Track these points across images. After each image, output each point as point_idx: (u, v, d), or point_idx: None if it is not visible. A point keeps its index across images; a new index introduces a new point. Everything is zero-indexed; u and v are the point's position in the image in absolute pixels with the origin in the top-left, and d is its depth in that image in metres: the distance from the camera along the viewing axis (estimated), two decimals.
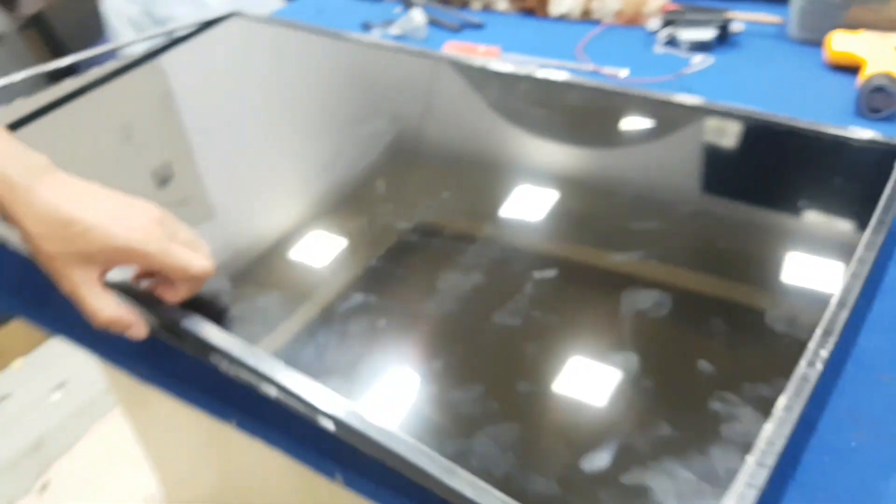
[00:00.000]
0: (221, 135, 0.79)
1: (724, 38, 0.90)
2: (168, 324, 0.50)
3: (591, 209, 0.61)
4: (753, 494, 0.35)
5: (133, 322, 0.48)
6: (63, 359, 1.83)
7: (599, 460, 0.39)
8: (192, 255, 0.48)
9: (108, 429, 1.63)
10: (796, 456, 0.43)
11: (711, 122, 0.69)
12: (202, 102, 0.87)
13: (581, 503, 0.37)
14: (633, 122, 0.72)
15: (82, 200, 0.46)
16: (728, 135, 0.68)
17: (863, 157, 0.61)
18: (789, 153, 0.63)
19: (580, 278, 0.54)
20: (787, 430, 0.39)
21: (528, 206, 0.60)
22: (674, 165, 0.66)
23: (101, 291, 0.47)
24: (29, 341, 1.85)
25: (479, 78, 0.81)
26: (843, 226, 0.56)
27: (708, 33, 0.89)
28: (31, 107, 0.81)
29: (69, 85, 0.86)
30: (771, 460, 0.37)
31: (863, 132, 0.62)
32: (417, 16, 1.03)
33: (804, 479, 0.42)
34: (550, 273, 0.53)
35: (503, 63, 0.83)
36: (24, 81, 0.83)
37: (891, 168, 0.58)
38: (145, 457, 1.29)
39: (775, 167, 0.62)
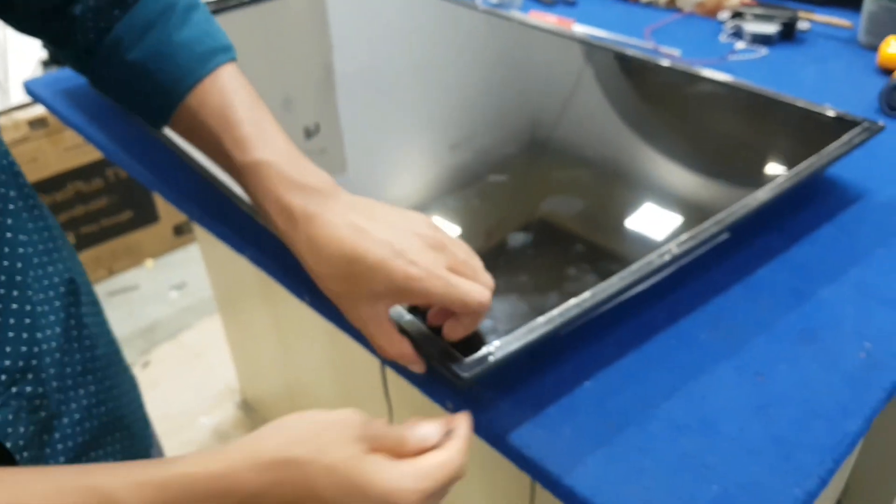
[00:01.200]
0: (367, 89, 0.83)
1: (790, 36, 0.94)
2: None
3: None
4: (551, 326, 0.47)
5: (415, 360, 0.47)
6: (185, 265, 2.09)
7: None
8: (471, 286, 0.44)
9: (207, 327, 1.86)
10: (644, 335, 0.52)
11: (699, 88, 0.76)
12: (353, 52, 0.94)
13: None
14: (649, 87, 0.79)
15: (364, 231, 0.43)
16: (707, 98, 0.75)
17: (828, 128, 0.66)
18: (764, 119, 0.71)
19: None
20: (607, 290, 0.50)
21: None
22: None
23: (387, 328, 0.45)
24: (161, 246, 2.13)
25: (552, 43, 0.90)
26: (772, 171, 0.63)
27: (771, 28, 0.93)
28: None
29: None
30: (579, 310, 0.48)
31: (829, 110, 0.68)
32: None
33: (649, 353, 0.50)
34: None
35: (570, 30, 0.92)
36: None
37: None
38: (231, 354, 1.49)
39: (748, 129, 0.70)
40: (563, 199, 0.62)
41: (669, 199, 0.62)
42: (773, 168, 0.63)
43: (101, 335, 0.52)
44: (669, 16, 1.06)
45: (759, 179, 0.60)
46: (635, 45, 0.97)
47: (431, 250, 0.44)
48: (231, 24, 0.97)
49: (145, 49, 0.48)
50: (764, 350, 0.51)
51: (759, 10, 0.96)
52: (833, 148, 0.62)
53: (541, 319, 0.48)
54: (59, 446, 0.45)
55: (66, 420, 0.46)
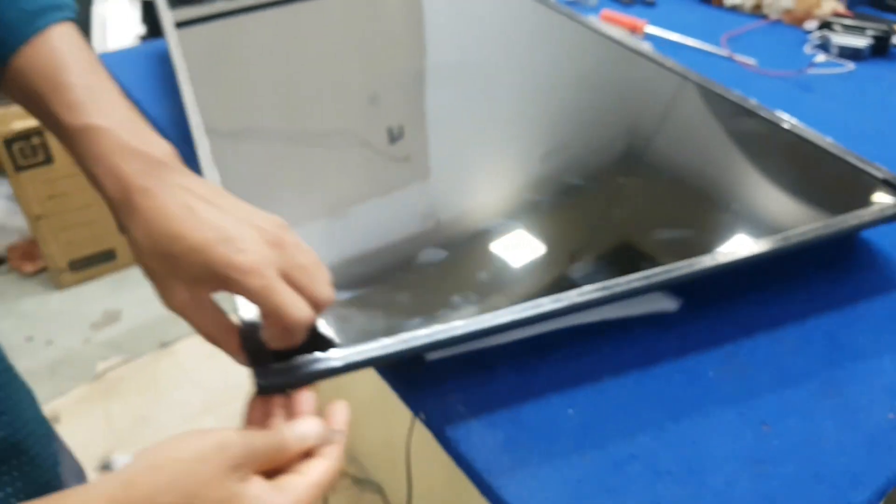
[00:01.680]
0: (456, 91, 0.78)
1: (883, 51, 0.86)
2: None
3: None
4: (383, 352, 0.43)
5: (237, 352, 0.42)
6: None
7: None
8: (293, 299, 0.39)
9: None
10: (645, 364, 0.48)
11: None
12: (446, 52, 0.89)
13: None
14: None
15: (196, 212, 0.39)
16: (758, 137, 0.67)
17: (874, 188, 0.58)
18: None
19: None
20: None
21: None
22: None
23: (206, 314, 0.41)
24: None
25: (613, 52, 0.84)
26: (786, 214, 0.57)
27: (862, 41, 0.85)
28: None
29: None
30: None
31: (874, 168, 0.60)
32: None
33: (646, 385, 0.46)
34: None
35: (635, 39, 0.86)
36: None
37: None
38: None
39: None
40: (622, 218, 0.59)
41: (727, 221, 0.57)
42: (799, 216, 0.56)
43: None
44: (753, 22, 0.98)
45: (778, 226, 0.54)
46: (709, 51, 0.90)
47: (266, 245, 0.39)
48: (326, 13, 0.96)
49: None
50: (776, 398, 0.46)
51: (850, 22, 0.87)
52: (869, 213, 0.54)
53: (386, 341, 0.44)
54: None
55: None
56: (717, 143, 0.67)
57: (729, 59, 0.88)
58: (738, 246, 0.52)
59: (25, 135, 1.70)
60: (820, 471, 0.42)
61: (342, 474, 0.36)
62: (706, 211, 0.58)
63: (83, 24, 2.00)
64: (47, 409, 1.57)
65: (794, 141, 0.64)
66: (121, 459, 0.34)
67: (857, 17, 0.89)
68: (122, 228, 0.41)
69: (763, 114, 0.67)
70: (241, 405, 0.40)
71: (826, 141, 0.63)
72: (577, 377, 0.48)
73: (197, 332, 0.42)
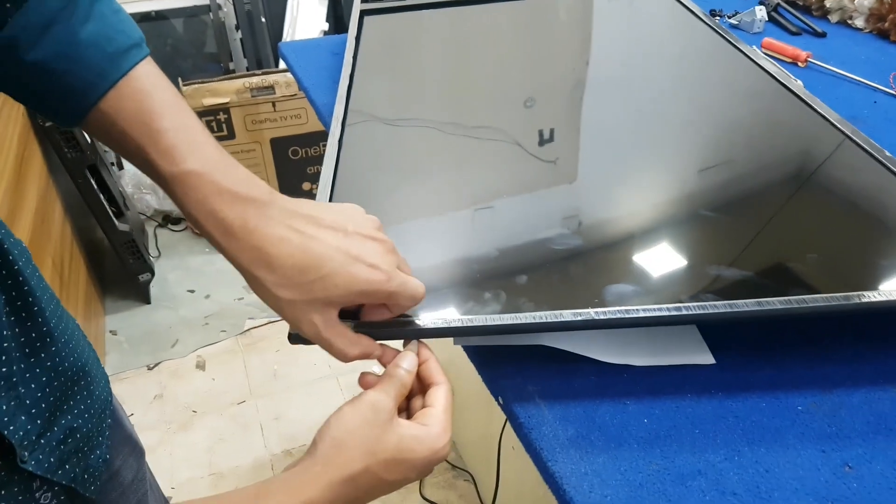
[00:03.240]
0: (611, 102, 0.80)
1: None
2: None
3: None
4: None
5: (377, 350, 0.47)
6: None
7: None
8: (417, 283, 0.46)
9: None
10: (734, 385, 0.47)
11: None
12: (607, 62, 0.90)
13: None
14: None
15: (314, 239, 0.42)
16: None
17: None
18: None
19: None
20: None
21: None
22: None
23: (343, 330, 0.45)
24: None
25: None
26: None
27: None
28: None
29: None
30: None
31: None
32: (759, 11, 1.06)
33: (730, 405, 0.46)
34: None
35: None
36: None
37: None
38: None
39: None
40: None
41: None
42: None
43: (43, 297, 0.46)
44: None
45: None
46: (876, 88, 0.86)
47: (388, 253, 0.44)
48: (500, 16, 1.00)
49: (47, 48, 0.41)
50: (865, 443, 0.44)
51: None
52: None
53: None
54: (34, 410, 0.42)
55: (33, 386, 0.43)
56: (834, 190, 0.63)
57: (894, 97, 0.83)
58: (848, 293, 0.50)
59: (213, 111, 1.90)
60: None
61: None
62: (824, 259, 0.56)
63: (278, 18, 2.20)
64: (195, 354, 1.75)
65: None
66: None
67: None
68: (241, 270, 0.43)
69: None
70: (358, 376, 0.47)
71: None
72: (658, 389, 0.48)
73: (336, 351, 0.45)
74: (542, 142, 0.72)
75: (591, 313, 0.47)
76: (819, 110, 0.71)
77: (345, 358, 0.45)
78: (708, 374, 0.49)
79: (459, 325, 0.48)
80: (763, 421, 0.46)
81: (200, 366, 1.73)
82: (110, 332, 1.87)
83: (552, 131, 0.74)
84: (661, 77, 0.86)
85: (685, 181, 0.67)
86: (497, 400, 0.50)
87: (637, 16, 1.02)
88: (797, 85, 0.74)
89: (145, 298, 1.94)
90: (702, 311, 0.47)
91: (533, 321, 0.48)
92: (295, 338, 0.47)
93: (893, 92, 0.84)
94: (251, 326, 1.84)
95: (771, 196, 0.63)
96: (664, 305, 0.48)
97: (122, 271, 1.90)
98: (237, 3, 2.13)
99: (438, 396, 0.45)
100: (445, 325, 0.48)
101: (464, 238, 0.60)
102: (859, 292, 0.48)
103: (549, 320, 0.47)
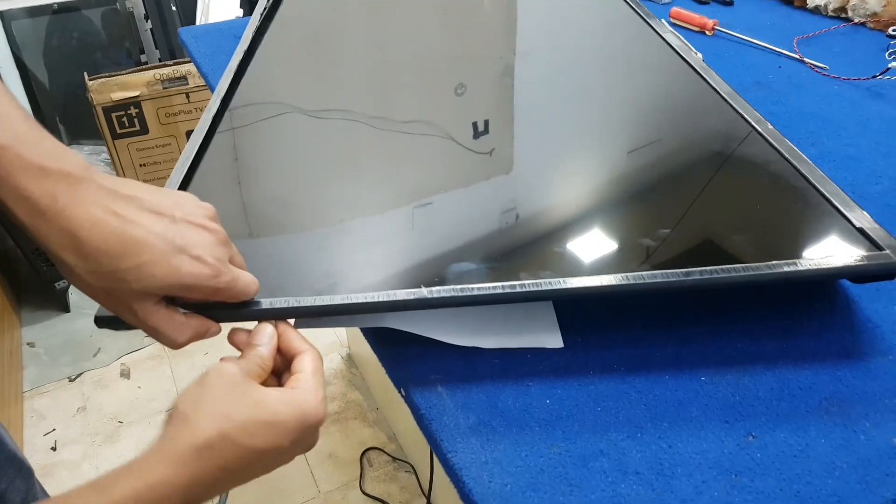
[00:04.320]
0: (543, 89, 0.77)
1: None
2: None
3: None
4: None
5: (213, 328, 0.44)
6: None
7: None
8: (250, 278, 0.43)
9: None
10: (637, 360, 0.45)
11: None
12: (539, 53, 0.86)
13: None
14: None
15: (134, 224, 0.38)
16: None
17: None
18: None
19: None
20: None
21: None
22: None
23: (169, 315, 0.41)
24: None
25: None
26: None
27: None
28: None
29: None
30: None
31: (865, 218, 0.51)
32: None
33: (632, 381, 0.44)
34: None
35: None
36: None
37: None
38: None
39: None
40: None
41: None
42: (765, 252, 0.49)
43: None
44: (832, 25, 0.92)
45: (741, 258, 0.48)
46: (778, 52, 0.86)
47: (217, 245, 0.40)
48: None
49: None
50: (768, 409, 0.44)
51: None
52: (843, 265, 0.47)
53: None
54: None
55: None
56: (713, 162, 0.62)
57: (800, 61, 0.84)
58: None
59: (124, 105, 1.81)
60: (802, 489, 0.39)
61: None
62: (687, 224, 0.55)
63: (190, 6, 2.11)
64: (119, 363, 1.68)
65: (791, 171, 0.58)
66: None
67: None
68: (47, 253, 0.38)
69: (776, 144, 0.60)
70: None
71: (818, 173, 0.56)
72: (561, 368, 0.47)
73: (165, 339, 0.41)
74: (476, 134, 0.68)
75: (424, 292, 0.45)
76: (713, 84, 0.69)
77: (174, 345, 0.42)
78: (611, 349, 0.48)
79: (286, 305, 0.45)
80: (666, 394, 0.45)
81: (125, 374, 1.65)
82: (27, 344, 1.77)
83: (486, 122, 0.70)
84: (578, 57, 0.84)
85: (590, 165, 0.64)
86: (400, 391, 0.48)
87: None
88: (696, 58, 0.73)
89: (64, 307, 1.85)
90: (536, 289, 0.45)
91: (364, 301, 0.45)
92: (103, 321, 0.43)
93: (797, 56, 0.84)
94: None
95: (658, 173, 0.61)
96: (499, 283, 0.45)
97: (37, 279, 1.80)
98: None
99: (304, 361, 0.42)
100: (272, 307, 0.45)
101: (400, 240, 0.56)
102: (754, 263, 0.46)
103: (381, 300, 0.45)
